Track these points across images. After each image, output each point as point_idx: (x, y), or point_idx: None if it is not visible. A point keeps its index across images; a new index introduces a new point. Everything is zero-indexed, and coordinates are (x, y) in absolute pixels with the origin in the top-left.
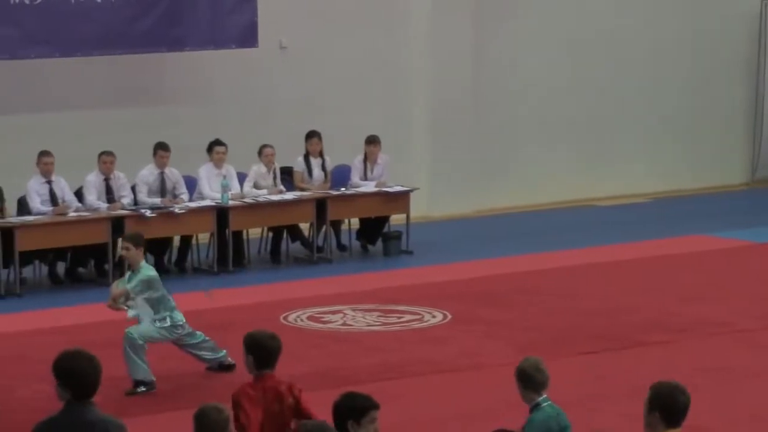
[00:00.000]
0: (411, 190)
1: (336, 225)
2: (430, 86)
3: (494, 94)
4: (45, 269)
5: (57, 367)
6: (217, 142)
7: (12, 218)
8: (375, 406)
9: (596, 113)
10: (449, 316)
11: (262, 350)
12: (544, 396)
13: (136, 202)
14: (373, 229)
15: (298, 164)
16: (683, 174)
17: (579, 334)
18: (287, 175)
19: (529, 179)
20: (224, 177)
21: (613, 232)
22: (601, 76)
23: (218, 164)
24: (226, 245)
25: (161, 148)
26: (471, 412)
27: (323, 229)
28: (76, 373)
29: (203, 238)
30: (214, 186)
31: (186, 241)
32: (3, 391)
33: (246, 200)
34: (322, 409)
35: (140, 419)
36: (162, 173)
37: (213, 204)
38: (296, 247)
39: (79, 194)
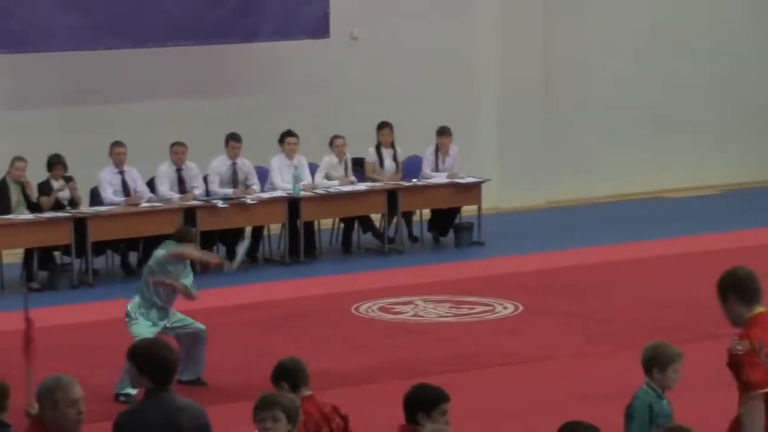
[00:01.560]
0: (483, 182)
1: (407, 216)
2: (500, 78)
3: (563, 86)
4: (117, 259)
5: (136, 354)
6: (288, 133)
7: (84, 208)
8: (446, 398)
9: (666, 104)
10: (521, 308)
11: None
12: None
13: (207, 193)
14: (444, 220)
15: (370, 155)
16: (756, 164)
17: (651, 326)
18: (359, 166)
19: (599, 171)
20: (296, 168)
21: (686, 224)
22: (671, 66)
23: (290, 155)
24: (298, 236)
25: (233, 138)
26: (543, 403)
27: (394, 220)
28: (156, 361)
29: (275, 228)
30: (286, 177)
31: (257, 231)
32: (77, 381)
33: (317, 191)
34: (393, 401)
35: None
36: (234, 164)
37: (284, 195)
38: (367, 238)
39: (151, 185)
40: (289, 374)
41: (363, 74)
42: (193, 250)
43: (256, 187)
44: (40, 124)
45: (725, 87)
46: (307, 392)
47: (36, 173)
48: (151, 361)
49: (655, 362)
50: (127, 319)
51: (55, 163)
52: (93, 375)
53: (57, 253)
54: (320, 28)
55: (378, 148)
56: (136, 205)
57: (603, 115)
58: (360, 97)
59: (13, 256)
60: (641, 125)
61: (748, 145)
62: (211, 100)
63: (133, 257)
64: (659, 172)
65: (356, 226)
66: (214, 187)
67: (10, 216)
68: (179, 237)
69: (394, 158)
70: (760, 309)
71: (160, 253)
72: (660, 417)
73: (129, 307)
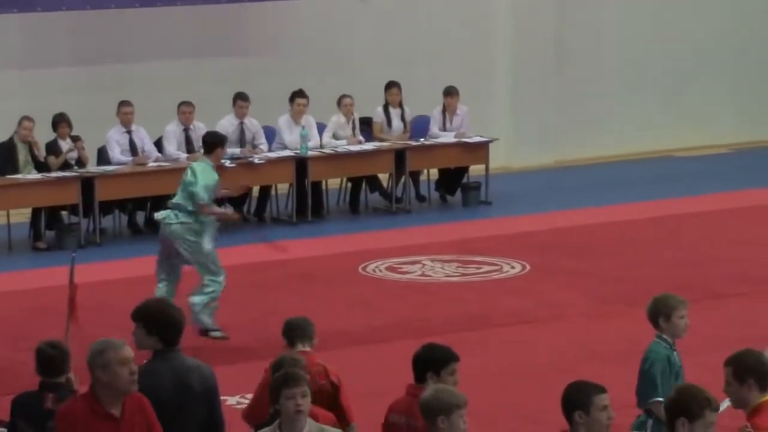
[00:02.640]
0: (490, 141)
1: (415, 175)
2: (512, 36)
3: (575, 45)
4: (125, 219)
5: (144, 315)
6: (299, 94)
7: (92, 168)
8: (455, 358)
9: (678, 64)
10: (528, 267)
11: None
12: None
13: None
14: (452, 180)
15: (378, 114)
16: (766, 125)
17: (660, 286)
18: (366, 126)
19: (611, 130)
20: (303, 127)
21: (697, 183)
22: (684, 26)
23: (297, 117)
24: (306, 195)
25: (241, 98)
26: (552, 363)
27: (402, 179)
28: (165, 321)
29: (282, 188)
30: (294, 136)
31: (265, 191)
32: (84, 340)
33: (325, 151)
34: (400, 361)
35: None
36: (241, 123)
37: (292, 154)
38: (375, 197)
39: (158, 144)
40: (286, 330)
41: (372, 34)
42: (222, 211)
43: (264, 146)
44: (48, 84)
45: (738, 46)
46: (301, 348)
47: (44, 133)
48: (159, 321)
49: (659, 312)
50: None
51: (59, 121)
52: (101, 335)
53: (64, 213)
54: None
55: (386, 107)
56: (144, 164)
57: (615, 75)
58: (368, 57)
59: (21, 216)
60: (654, 84)
61: (761, 104)
62: (219, 60)
63: (140, 217)
64: (671, 131)
65: (364, 185)
66: None
67: (18, 176)
68: (209, 147)
69: (402, 118)
70: (766, 396)
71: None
72: (675, 366)
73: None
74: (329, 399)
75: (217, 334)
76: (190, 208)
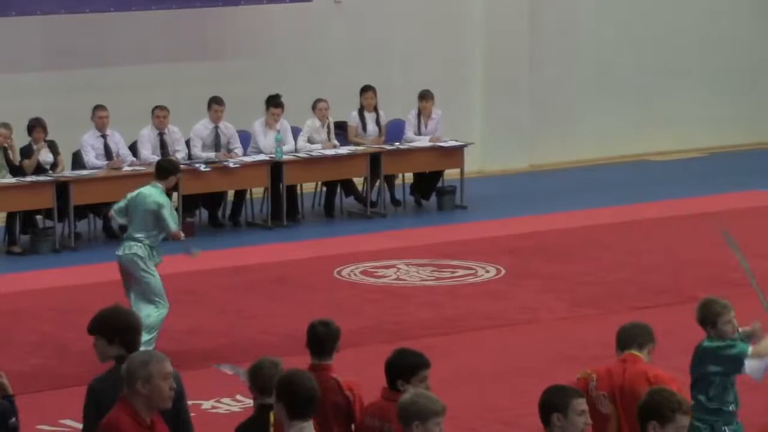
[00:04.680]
0: (465, 145)
1: (390, 180)
2: (485, 40)
3: (549, 49)
4: (100, 223)
5: (101, 325)
6: (274, 103)
7: (67, 172)
8: (426, 365)
9: (652, 68)
10: (503, 271)
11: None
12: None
13: (190, 157)
14: (427, 184)
15: (353, 119)
16: (739, 129)
17: (636, 290)
18: (341, 130)
19: (585, 134)
20: (278, 131)
21: (670, 188)
22: (657, 30)
23: (272, 124)
24: (280, 200)
25: (216, 102)
26: (527, 366)
27: (377, 183)
28: (124, 326)
29: (257, 192)
30: (269, 140)
31: (240, 195)
32: (60, 344)
33: (300, 155)
34: (375, 365)
35: (193, 373)
36: (216, 127)
37: (267, 158)
38: (350, 201)
39: (133, 149)
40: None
41: (346, 37)
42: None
43: (239, 150)
44: (22, 88)
45: (712, 50)
46: (317, 361)
47: (18, 138)
48: (117, 328)
49: (706, 320)
50: (141, 265)
51: (34, 126)
52: (76, 339)
53: (39, 217)
54: None
55: (361, 111)
56: (119, 168)
57: (589, 79)
58: (343, 61)
59: None
60: (627, 88)
61: (734, 108)
62: (194, 64)
63: (115, 221)
64: (645, 136)
65: (339, 189)
66: (197, 150)
67: None
68: (163, 173)
69: (377, 122)
70: None
71: (160, 202)
72: None
73: (141, 253)
74: (346, 415)
75: None
76: (147, 234)
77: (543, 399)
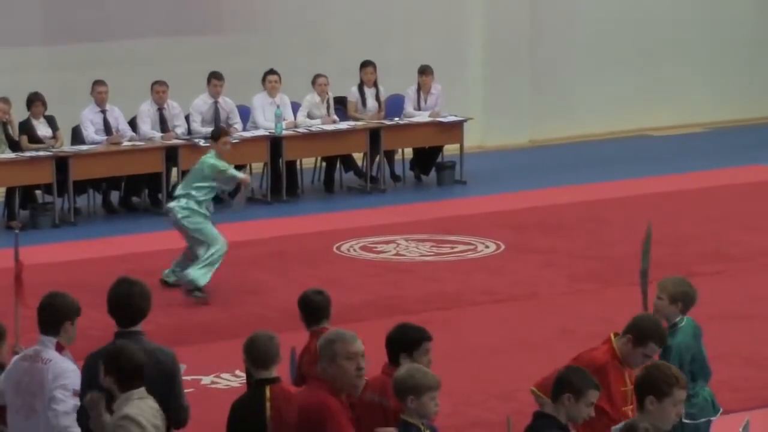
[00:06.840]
0: (464, 120)
1: (389, 155)
2: (486, 15)
3: (550, 24)
4: (99, 198)
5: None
6: (270, 71)
7: (66, 147)
8: (428, 338)
9: (653, 42)
10: (503, 246)
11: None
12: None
13: (189, 132)
14: (426, 159)
15: (352, 94)
16: (742, 102)
17: (636, 264)
18: (341, 105)
19: (585, 109)
20: (278, 106)
21: (672, 162)
22: (659, 4)
23: (272, 93)
24: (280, 175)
25: (215, 77)
26: (527, 341)
27: (377, 158)
28: (118, 301)
29: (257, 167)
30: (268, 116)
31: (240, 170)
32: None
33: (300, 130)
34: (375, 340)
35: (192, 348)
36: (216, 102)
37: (267, 134)
38: (350, 176)
39: (133, 124)
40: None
41: (347, 12)
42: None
43: (238, 125)
44: (21, 63)
45: (712, 25)
46: (316, 327)
47: (18, 112)
48: (111, 302)
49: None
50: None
51: (33, 100)
52: None
53: (38, 192)
54: None
55: (360, 86)
56: (118, 144)
57: (589, 54)
58: (343, 36)
59: None
60: (628, 63)
61: (735, 82)
62: (194, 39)
63: (114, 196)
64: (646, 111)
65: (338, 164)
66: (196, 125)
67: None
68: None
69: (377, 97)
70: None
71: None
72: None
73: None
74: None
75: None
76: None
77: (563, 375)
